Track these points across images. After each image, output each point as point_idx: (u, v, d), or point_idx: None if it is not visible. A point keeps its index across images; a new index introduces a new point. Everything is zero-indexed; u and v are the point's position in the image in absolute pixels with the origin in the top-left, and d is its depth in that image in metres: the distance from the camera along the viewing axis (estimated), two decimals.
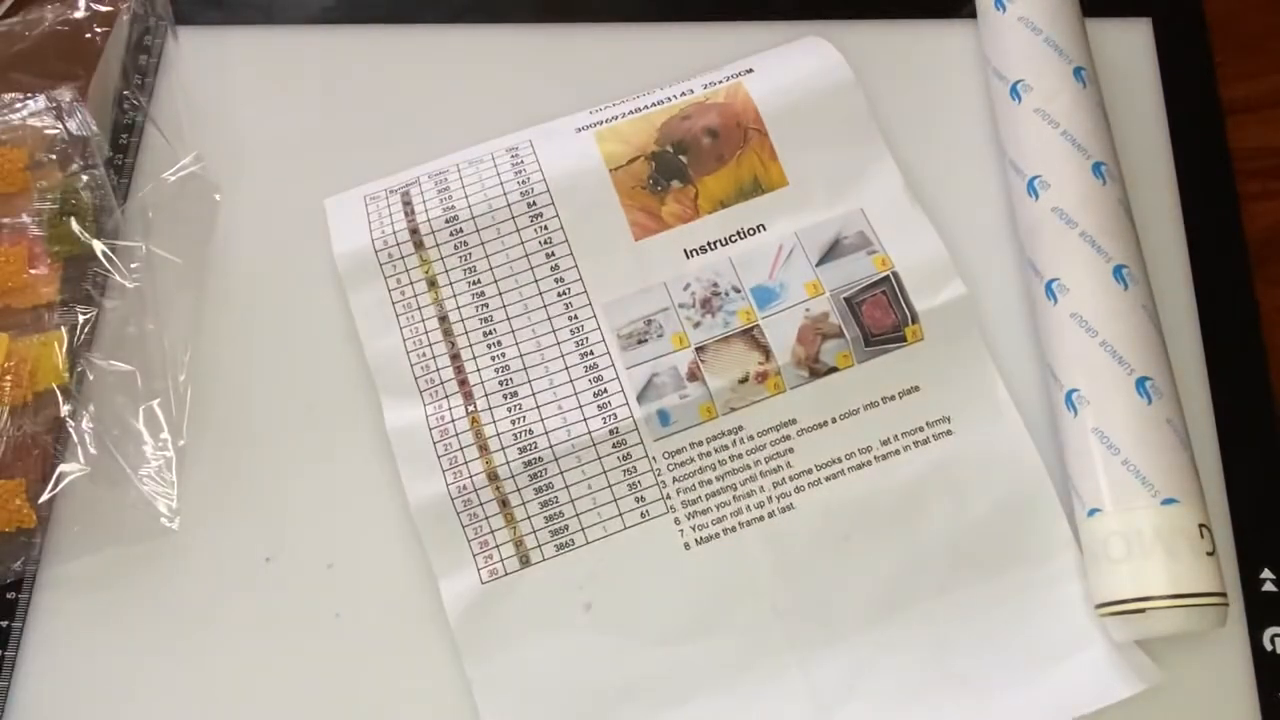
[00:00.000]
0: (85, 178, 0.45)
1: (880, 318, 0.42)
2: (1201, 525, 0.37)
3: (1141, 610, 0.36)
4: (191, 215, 0.46)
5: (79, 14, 0.48)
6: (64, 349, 0.42)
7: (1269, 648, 0.40)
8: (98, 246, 0.44)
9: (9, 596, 0.41)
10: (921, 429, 0.41)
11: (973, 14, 0.47)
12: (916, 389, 0.42)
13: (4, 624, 0.40)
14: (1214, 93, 0.48)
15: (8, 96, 0.46)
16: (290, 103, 0.49)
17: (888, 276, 0.43)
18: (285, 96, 0.49)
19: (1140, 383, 0.39)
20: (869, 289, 0.43)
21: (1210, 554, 0.37)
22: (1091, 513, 0.38)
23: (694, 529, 0.41)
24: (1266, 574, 0.40)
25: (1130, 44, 0.48)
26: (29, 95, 0.46)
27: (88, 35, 0.48)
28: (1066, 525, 0.40)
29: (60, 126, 0.45)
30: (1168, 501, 0.37)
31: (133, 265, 0.44)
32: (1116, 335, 0.39)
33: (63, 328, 0.43)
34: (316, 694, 0.40)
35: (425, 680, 0.40)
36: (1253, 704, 0.39)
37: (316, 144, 0.48)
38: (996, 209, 0.45)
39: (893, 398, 0.42)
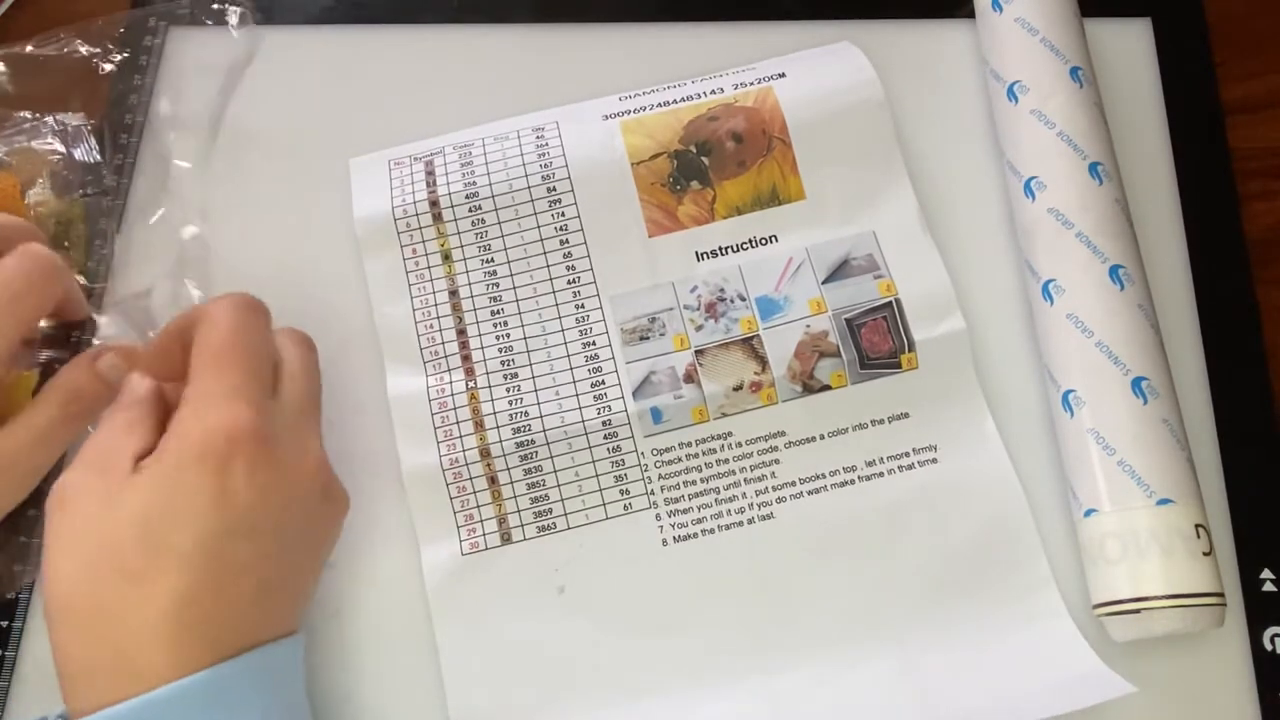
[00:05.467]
0: (83, 205, 0.45)
1: (878, 342, 0.42)
2: (1198, 525, 0.37)
3: (1138, 611, 0.37)
4: (191, 216, 0.46)
5: (87, 47, 0.48)
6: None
7: (1269, 648, 0.40)
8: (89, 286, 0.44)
9: (9, 596, 0.41)
10: (908, 454, 0.42)
11: (972, 14, 0.47)
12: (906, 415, 0.42)
13: (4, 624, 0.40)
14: (1214, 93, 0.47)
15: (14, 117, 0.46)
16: (290, 103, 0.49)
17: (890, 302, 0.43)
18: (285, 96, 0.49)
19: (1136, 383, 0.38)
20: (870, 312, 0.43)
21: (1207, 554, 0.37)
22: (1088, 513, 0.38)
23: (674, 527, 0.41)
24: (1266, 574, 0.40)
25: (1130, 44, 0.48)
26: (37, 116, 0.46)
27: (95, 61, 0.48)
28: (1045, 564, 0.40)
29: (64, 151, 0.45)
30: (1163, 502, 0.37)
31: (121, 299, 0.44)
32: (1112, 335, 0.39)
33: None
34: (316, 693, 0.40)
35: (425, 680, 0.40)
36: (1253, 704, 0.39)
37: (316, 145, 0.47)
38: (996, 210, 0.45)
39: (882, 421, 0.42)
